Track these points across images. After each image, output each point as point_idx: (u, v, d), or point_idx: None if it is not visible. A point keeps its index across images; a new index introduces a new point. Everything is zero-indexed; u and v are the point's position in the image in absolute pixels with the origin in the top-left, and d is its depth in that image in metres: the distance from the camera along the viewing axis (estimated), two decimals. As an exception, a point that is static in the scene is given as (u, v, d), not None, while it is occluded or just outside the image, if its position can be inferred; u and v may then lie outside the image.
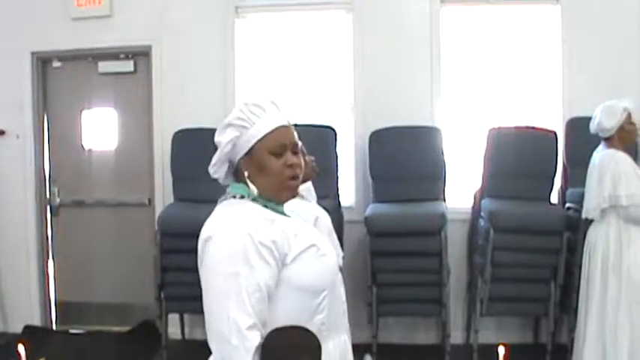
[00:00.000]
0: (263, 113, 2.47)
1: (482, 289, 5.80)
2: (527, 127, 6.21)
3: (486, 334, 6.09)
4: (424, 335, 6.39)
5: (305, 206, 2.65)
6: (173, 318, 6.35)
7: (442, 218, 5.71)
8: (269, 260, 2.33)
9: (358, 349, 5.86)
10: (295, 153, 2.52)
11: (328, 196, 6.04)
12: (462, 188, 6.44)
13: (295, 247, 2.40)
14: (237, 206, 2.45)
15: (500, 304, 5.87)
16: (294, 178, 2.52)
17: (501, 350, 5.30)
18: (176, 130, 6.30)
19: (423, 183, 6.14)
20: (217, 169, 2.54)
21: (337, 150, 6.18)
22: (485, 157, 6.14)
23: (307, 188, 4.53)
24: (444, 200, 6.18)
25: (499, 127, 6.17)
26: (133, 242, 6.69)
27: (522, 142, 6.11)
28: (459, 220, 6.32)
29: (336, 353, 2.58)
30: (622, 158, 5.14)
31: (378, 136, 6.21)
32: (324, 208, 5.72)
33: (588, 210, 5.23)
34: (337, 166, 6.20)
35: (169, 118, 6.49)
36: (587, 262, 5.30)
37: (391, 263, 5.83)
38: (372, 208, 5.99)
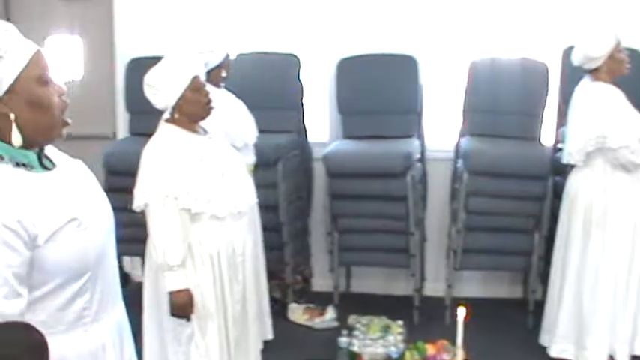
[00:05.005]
0: (11, 36, 1.95)
1: (456, 240, 5.17)
2: (516, 58, 5.46)
3: (470, 287, 5.62)
4: (403, 285, 5.73)
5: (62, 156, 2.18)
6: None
7: (407, 159, 5.08)
8: (15, 245, 1.85)
9: (321, 298, 5.48)
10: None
11: (290, 131, 5.51)
12: (446, 125, 5.75)
13: (49, 224, 1.91)
14: None
15: (476, 256, 5.28)
16: (65, 108, 2.05)
17: (461, 312, 4.72)
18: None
19: (396, 118, 5.49)
20: None
21: (301, 80, 5.59)
22: (466, 90, 5.44)
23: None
24: (421, 138, 5.53)
25: (483, 57, 5.44)
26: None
27: (509, 74, 5.40)
28: (441, 161, 5.68)
29: (108, 337, 2.16)
30: (612, 93, 4.40)
31: (346, 65, 5.56)
32: (282, 144, 5.24)
33: (571, 153, 4.50)
34: (302, 97, 5.62)
35: (131, 46, 5.96)
36: (566, 213, 4.63)
37: (352, 207, 5.26)
38: (335, 146, 5.40)
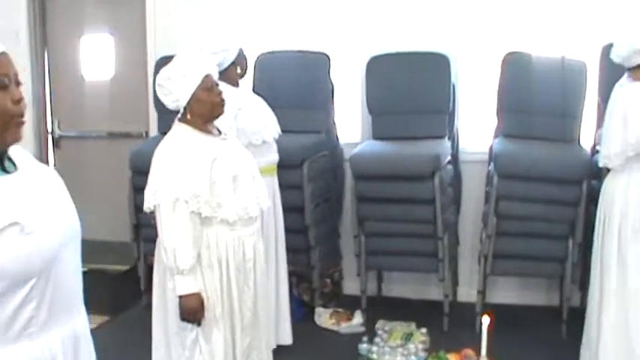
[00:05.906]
0: None
1: (486, 244, 4.98)
2: (553, 56, 5.21)
3: (506, 294, 5.46)
4: (436, 290, 5.50)
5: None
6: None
7: (435, 160, 4.89)
8: None
9: (352, 301, 5.33)
10: (18, 84, 1.98)
11: (319, 132, 5.39)
12: (483, 126, 5.55)
13: None
14: None
15: (508, 262, 5.05)
16: (23, 115, 1.97)
17: (485, 320, 4.54)
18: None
19: (427, 118, 5.30)
20: None
21: (331, 79, 5.45)
22: (499, 88, 5.23)
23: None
24: (454, 138, 5.35)
25: (517, 53, 5.21)
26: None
27: (545, 72, 5.14)
28: (477, 162, 5.48)
29: (59, 348, 2.06)
30: None
31: (376, 64, 5.40)
32: (308, 145, 5.12)
33: (609, 157, 4.17)
34: (332, 97, 5.49)
35: (163, 45, 5.91)
36: (602, 219, 4.36)
37: (378, 210, 5.09)
38: (361, 147, 5.25)
